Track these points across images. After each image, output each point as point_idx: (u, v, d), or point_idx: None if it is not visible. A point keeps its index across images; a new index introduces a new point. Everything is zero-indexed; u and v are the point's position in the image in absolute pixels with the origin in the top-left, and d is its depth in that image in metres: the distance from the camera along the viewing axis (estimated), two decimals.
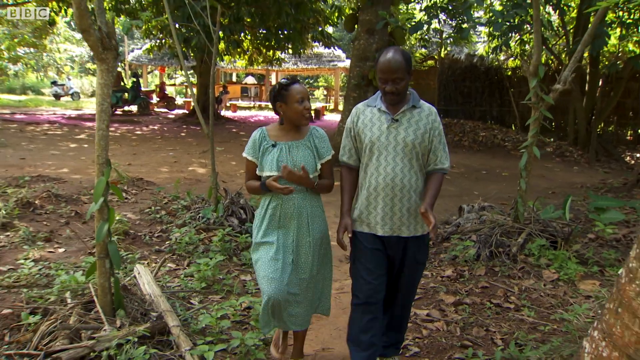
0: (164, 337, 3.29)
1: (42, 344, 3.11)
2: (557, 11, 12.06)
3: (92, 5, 4.99)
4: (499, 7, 11.46)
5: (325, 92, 32.20)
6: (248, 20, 14.40)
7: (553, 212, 5.43)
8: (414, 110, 2.81)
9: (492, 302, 4.22)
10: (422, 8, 12.95)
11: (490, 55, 15.81)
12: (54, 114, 20.55)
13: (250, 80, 33.11)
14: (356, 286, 2.95)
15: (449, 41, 16.26)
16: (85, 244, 5.19)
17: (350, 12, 13.03)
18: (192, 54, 16.01)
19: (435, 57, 18.62)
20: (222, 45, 16.34)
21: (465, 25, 11.39)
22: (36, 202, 6.37)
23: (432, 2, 12.17)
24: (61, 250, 5.08)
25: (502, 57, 16.18)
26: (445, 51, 17.96)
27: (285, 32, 15.16)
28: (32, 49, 27.46)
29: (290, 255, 2.95)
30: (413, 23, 11.71)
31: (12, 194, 6.39)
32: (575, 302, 4.15)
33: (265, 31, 15.45)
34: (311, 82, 38.61)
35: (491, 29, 11.07)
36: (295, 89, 2.87)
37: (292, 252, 2.96)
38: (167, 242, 5.41)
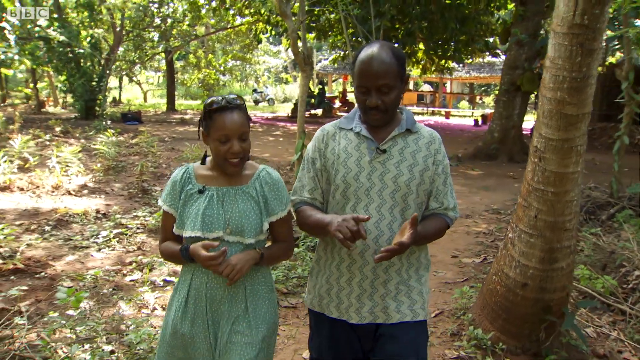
0: None
1: None
2: None
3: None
4: None
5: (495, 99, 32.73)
6: (420, 35, 16.41)
7: (639, 188, 6.65)
8: (409, 136, 1.99)
9: None
10: None
11: None
12: (254, 115, 24.60)
13: (426, 87, 35.01)
14: None
15: (616, 47, 16.56)
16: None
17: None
18: None
19: (607, 63, 18.79)
20: None
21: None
22: None
23: None
24: None
25: None
26: (615, 58, 18.11)
27: (453, 44, 16.87)
28: (238, 62, 32.63)
29: None
30: None
31: None
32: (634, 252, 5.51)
33: (433, 44, 17.31)
34: (487, 89, 39.16)
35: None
36: (219, 121, 1.91)
37: (220, 355, 1.98)
38: None
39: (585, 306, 3.72)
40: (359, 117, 2.04)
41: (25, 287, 3.92)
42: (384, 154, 1.95)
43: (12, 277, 4.35)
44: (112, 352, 3.13)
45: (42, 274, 4.47)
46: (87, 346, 3.11)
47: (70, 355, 2.78)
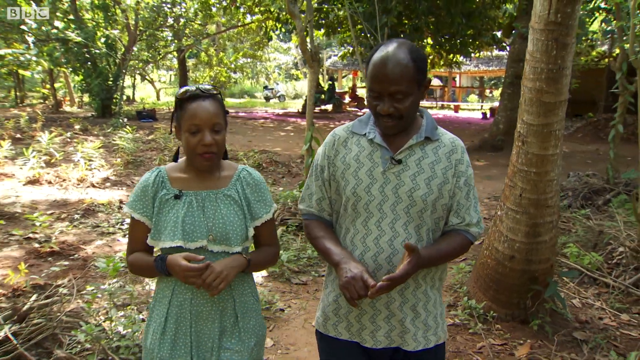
0: None
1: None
2: None
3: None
4: None
5: None
6: (427, 30, 16.71)
7: (633, 173, 6.95)
8: (428, 145, 1.81)
9: (561, 228, 6.10)
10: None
11: None
12: (266, 112, 25.05)
13: (435, 82, 35.19)
14: None
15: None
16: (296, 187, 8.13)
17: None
18: None
19: (613, 55, 18.96)
20: None
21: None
22: (263, 164, 9.60)
23: (593, 4, 13.24)
24: (280, 189, 8.06)
25: None
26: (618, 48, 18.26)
27: (460, 39, 17.16)
28: (249, 59, 33.07)
29: None
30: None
31: (250, 158, 9.71)
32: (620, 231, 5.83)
33: (441, 38, 17.60)
34: (497, 83, 39.23)
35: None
36: (190, 110, 1.75)
37: None
38: None
39: (567, 276, 4.08)
40: (373, 121, 1.84)
41: (66, 263, 4.38)
42: (399, 164, 1.77)
43: (49, 259, 4.81)
44: (142, 320, 3.55)
45: (76, 255, 4.92)
46: (121, 313, 3.53)
47: (110, 317, 3.19)
